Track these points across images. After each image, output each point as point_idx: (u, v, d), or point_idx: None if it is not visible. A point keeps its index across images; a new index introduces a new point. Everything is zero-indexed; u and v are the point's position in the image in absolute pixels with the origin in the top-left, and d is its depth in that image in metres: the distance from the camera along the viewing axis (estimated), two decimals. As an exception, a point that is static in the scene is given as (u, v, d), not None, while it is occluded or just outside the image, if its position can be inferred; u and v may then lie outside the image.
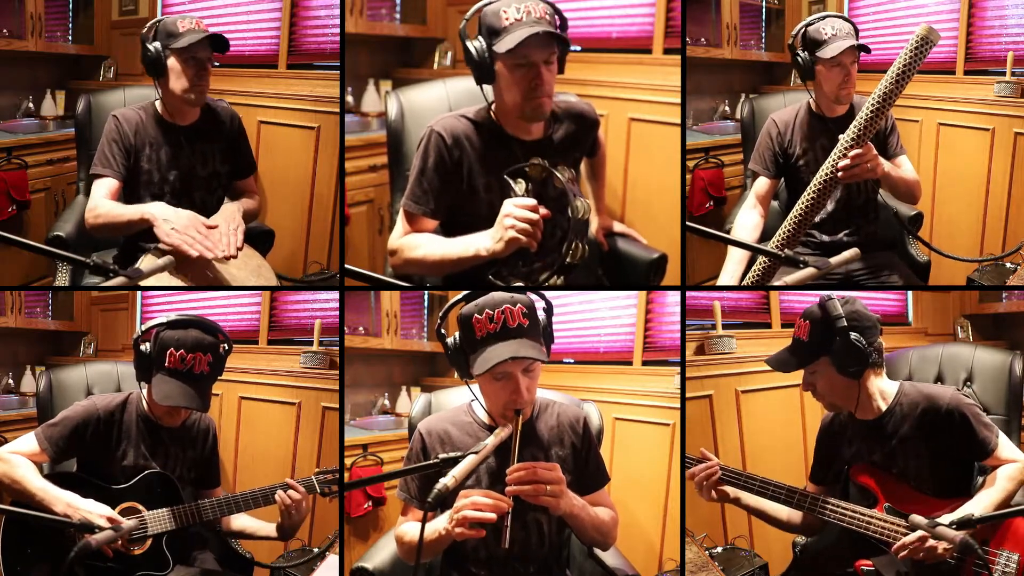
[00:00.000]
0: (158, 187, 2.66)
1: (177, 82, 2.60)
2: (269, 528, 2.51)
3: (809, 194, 2.43)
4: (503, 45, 2.18)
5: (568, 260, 2.30)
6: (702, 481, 2.33)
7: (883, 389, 2.32)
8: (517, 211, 2.12)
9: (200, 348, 2.31)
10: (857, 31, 2.72)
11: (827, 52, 2.65)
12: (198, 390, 2.32)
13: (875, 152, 2.44)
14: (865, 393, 2.29)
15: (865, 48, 2.67)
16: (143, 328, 2.34)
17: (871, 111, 2.31)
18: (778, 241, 2.46)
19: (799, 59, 2.73)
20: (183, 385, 2.30)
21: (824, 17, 2.71)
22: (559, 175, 2.26)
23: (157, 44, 2.59)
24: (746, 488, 2.34)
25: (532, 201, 2.14)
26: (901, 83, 2.24)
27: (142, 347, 2.33)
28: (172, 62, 2.59)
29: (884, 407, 2.31)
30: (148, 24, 2.64)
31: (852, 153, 2.38)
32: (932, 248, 3.00)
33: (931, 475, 2.28)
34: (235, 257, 2.53)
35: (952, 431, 2.25)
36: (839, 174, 2.40)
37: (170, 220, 2.45)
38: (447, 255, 2.27)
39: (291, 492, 2.42)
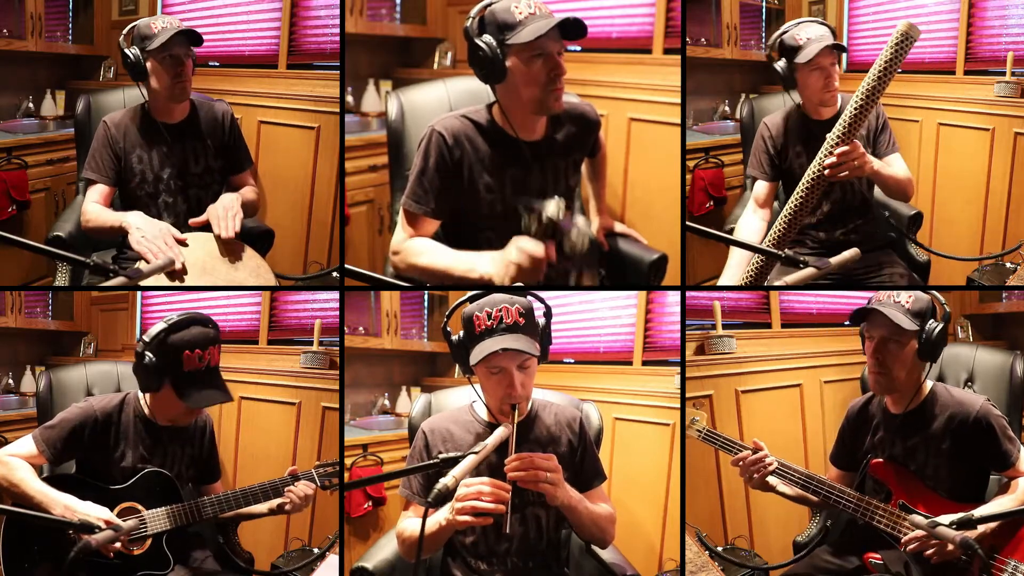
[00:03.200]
0: (152, 186, 2.70)
1: (158, 82, 2.65)
2: (265, 507, 2.51)
3: (798, 194, 2.42)
4: (524, 36, 2.18)
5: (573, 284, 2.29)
6: (753, 471, 2.36)
7: (922, 387, 2.34)
8: (523, 258, 2.08)
9: (209, 341, 2.32)
10: (835, 33, 2.73)
11: (803, 56, 2.67)
12: (221, 384, 2.34)
13: (862, 150, 2.44)
14: (919, 382, 2.31)
15: (842, 48, 2.67)
16: (145, 339, 2.30)
17: (856, 109, 2.31)
18: (770, 240, 2.46)
19: (778, 68, 2.75)
20: (210, 384, 2.32)
21: (798, 24, 2.74)
22: (572, 240, 2.13)
23: (135, 49, 2.63)
24: (803, 488, 2.37)
25: (540, 249, 2.08)
26: (884, 80, 2.24)
27: (147, 358, 2.29)
28: (151, 64, 2.63)
29: (917, 403, 2.33)
30: (125, 30, 2.68)
31: (838, 151, 2.38)
32: (928, 249, 3.01)
33: (948, 477, 2.29)
34: (232, 239, 2.56)
35: (976, 439, 2.26)
36: (826, 172, 2.40)
37: (142, 229, 2.50)
38: (450, 269, 2.26)
39: (303, 488, 2.45)
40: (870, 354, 2.30)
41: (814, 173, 2.41)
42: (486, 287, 2.26)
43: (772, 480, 2.40)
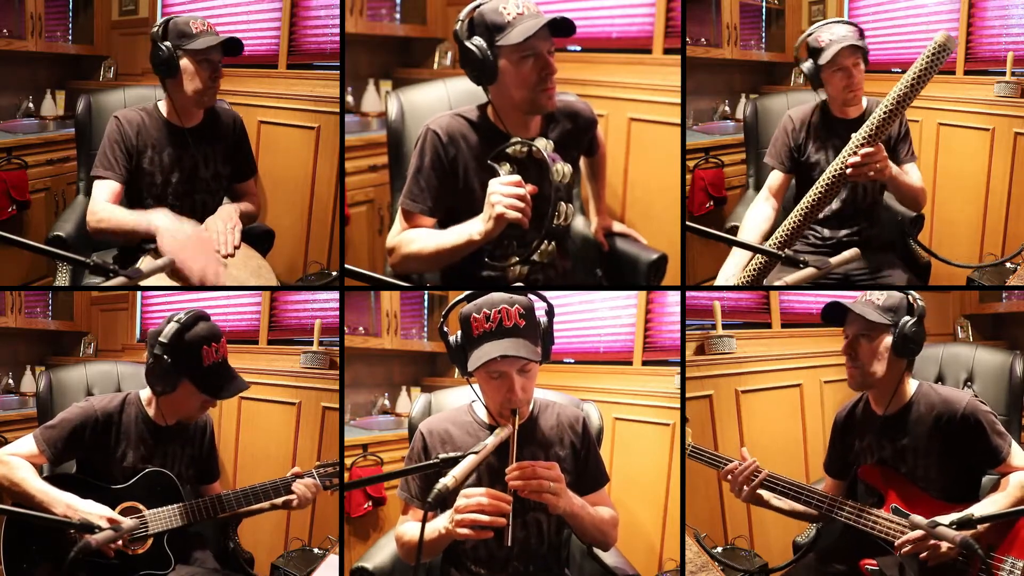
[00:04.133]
0: (160, 189, 2.66)
1: (191, 83, 2.59)
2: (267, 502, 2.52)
3: (816, 190, 2.44)
4: (513, 37, 2.19)
5: (556, 223, 2.32)
6: (742, 483, 2.35)
7: (906, 386, 2.33)
8: (503, 188, 2.14)
9: (220, 334, 2.33)
10: (862, 34, 2.73)
11: (825, 57, 2.69)
12: (235, 374, 2.36)
13: (885, 154, 2.46)
14: (899, 380, 2.29)
15: (862, 48, 2.68)
16: (162, 340, 2.28)
17: (885, 113, 2.34)
18: (782, 233, 2.46)
19: (804, 69, 2.77)
20: (231, 375, 2.34)
21: (824, 24, 2.77)
22: (536, 145, 2.29)
23: (168, 44, 2.57)
24: (793, 498, 2.35)
25: (516, 177, 2.17)
26: (916, 87, 2.27)
27: (166, 359, 2.28)
28: (186, 63, 2.58)
29: (902, 404, 2.32)
30: (158, 23, 2.62)
31: (863, 151, 2.40)
32: (933, 255, 3.01)
33: (939, 477, 2.28)
34: (232, 256, 2.53)
35: (965, 436, 2.25)
36: (848, 171, 2.42)
37: (176, 237, 2.45)
38: (442, 245, 2.28)
39: (308, 483, 2.46)
40: (843, 350, 2.31)
41: (835, 171, 2.43)
42: (483, 253, 2.30)
43: (765, 494, 2.39)
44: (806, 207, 2.45)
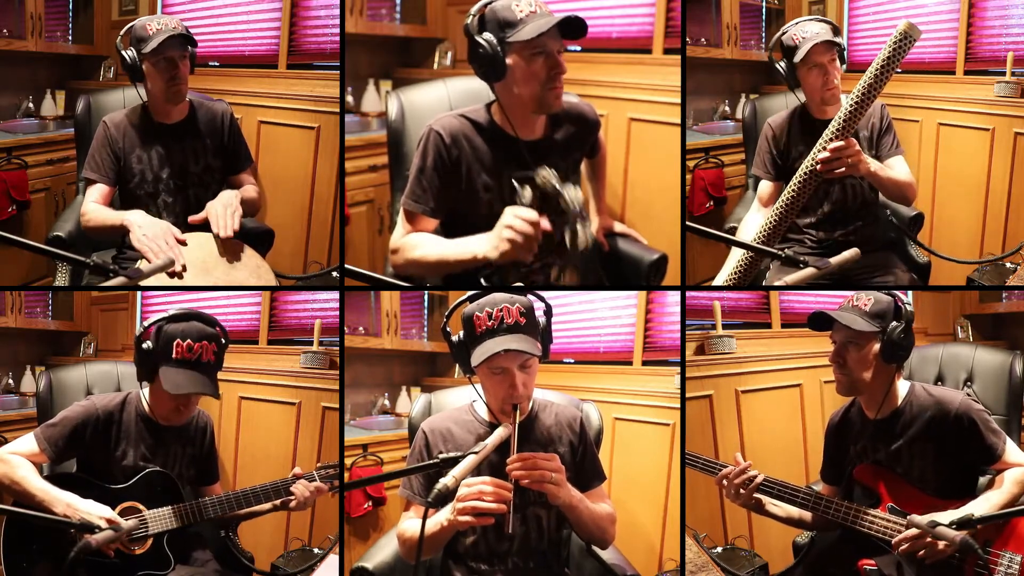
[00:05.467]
0: (152, 186, 2.69)
1: (153, 85, 2.65)
2: (268, 504, 2.52)
3: (790, 189, 2.41)
4: (525, 34, 2.18)
5: (577, 250, 2.31)
6: (738, 487, 2.32)
7: (896, 389, 2.32)
8: (517, 222, 2.10)
9: (205, 337, 2.32)
10: (837, 30, 2.72)
11: (799, 54, 2.67)
12: (208, 378, 2.33)
13: (857, 148, 2.42)
14: (889, 385, 2.28)
15: (837, 44, 2.67)
16: (144, 326, 2.34)
17: (853, 105, 2.29)
18: (760, 234, 2.44)
19: (780, 68, 2.75)
20: (194, 373, 2.30)
21: (797, 23, 2.75)
22: (567, 196, 2.27)
23: (131, 51, 2.63)
24: (790, 501, 2.33)
25: (534, 214, 2.12)
26: (882, 78, 2.23)
27: (144, 345, 2.33)
28: (146, 67, 2.62)
29: (894, 407, 2.31)
30: (122, 32, 2.67)
31: (832, 146, 2.36)
32: (930, 251, 3.00)
33: (935, 476, 2.27)
34: (231, 238, 2.55)
35: (960, 436, 2.24)
36: (818, 167, 2.38)
37: (143, 227, 2.49)
38: (445, 256, 2.27)
39: (308, 484, 2.46)
40: (831, 357, 2.29)
41: (808, 168, 2.40)
42: (483, 269, 2.29)
43: (764, 500, 2.37)
44: (782, 206, 2.41)
